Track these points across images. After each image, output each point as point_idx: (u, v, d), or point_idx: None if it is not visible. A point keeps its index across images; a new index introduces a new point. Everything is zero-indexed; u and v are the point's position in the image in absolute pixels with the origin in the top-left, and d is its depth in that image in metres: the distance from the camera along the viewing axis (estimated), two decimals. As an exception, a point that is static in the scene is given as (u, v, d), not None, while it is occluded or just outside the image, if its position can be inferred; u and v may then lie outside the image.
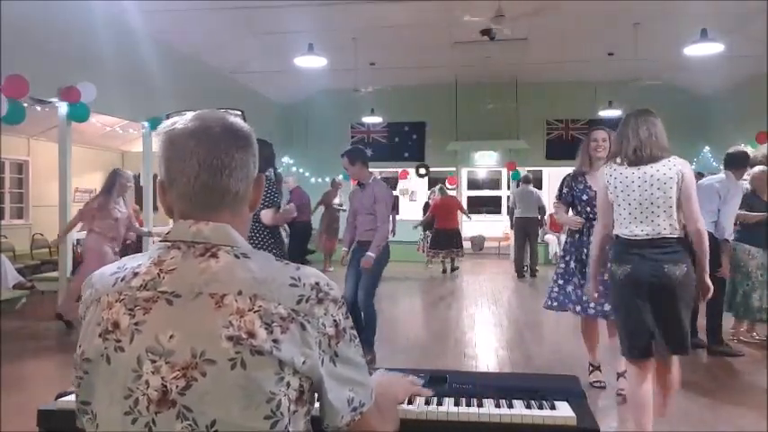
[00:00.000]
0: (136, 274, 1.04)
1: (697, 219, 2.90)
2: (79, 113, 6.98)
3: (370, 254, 4.92)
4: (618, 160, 3.02)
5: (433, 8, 8.65)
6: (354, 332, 1.09)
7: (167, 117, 1.20)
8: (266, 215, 4.28)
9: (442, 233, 10.78)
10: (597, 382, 4.27)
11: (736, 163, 5.16)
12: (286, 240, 11.04)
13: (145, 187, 8.97)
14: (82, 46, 7.23)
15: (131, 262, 1.08)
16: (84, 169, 11.13)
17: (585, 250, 4.18)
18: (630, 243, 2.93)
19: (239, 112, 1.20)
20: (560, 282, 4.37)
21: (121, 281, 1.04)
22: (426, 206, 11.97)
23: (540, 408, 1.53)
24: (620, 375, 4.05)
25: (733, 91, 11.50)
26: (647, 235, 2.89)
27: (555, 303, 4.40)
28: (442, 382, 1.66)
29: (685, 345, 2.92)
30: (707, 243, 2.93)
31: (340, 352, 1.05)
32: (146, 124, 8.78)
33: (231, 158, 1.06)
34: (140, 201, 10.12)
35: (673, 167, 2.89)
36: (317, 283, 1.04)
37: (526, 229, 10.51)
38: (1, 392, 4.12)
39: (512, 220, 10.85)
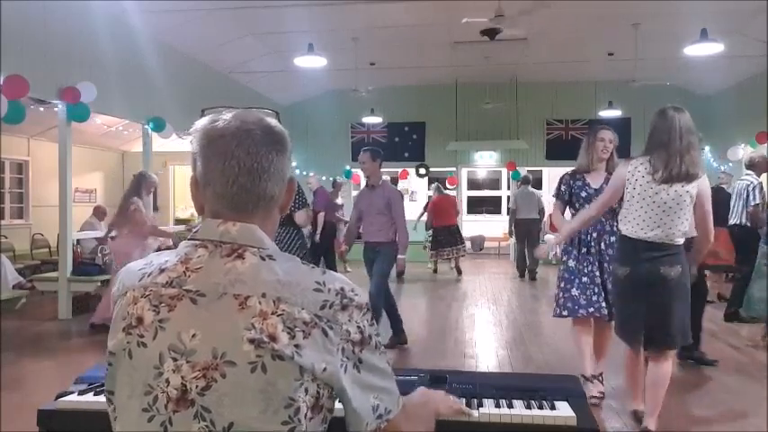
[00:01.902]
0: (162, 271, 1.04)
1: (710, 227, 3.12)
2: (79, 113, 6.98)
3: (401, 256, 5.25)
4: (646, 166, 3.05)
5: (433, 8, 8.65)
6: (380, 339, 1.07)
7: (203, 113, 1.19)
8: (301, 216, 4.40)
9: (441, 231, 10.81)
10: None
11: None
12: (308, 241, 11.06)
13: (145, 187, 8.96)
14: (82, 46, 7.23)
15: (159, 258, 1.08)
16: (84, 169, 11.14)
17: (585, 249, 4.11)
18: (636, 245, 3.10)
19: (275, 113, 1.19)
20: (567, 286, 4.10)
21: (148, 276, 1.04)
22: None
23: (540, 408, 1.53)
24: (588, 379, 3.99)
25: (733, 91, 11.50)
26: (652, 238, 3.06)
27: (565, 312, 4.10)
28: (442, 382, 1.65)
29: (673, 340, 3.15)
30: (707, 249, 3.21)
31: (364, 359, 1.03)
32: (146, 124, 8.77)
33: (270, 162, 1.06)
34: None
35: (696, 186, 3.03)
36: (342, 289, 1.03)
37: (527, 231, 10.48)
38: (1, 392, 4.13)
39: (512, 223, 10.79)
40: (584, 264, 4.06)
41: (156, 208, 9.60)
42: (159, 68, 8.47)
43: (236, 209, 1.06)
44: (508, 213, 11.65)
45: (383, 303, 5.37)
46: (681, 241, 3.08)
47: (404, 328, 5.56)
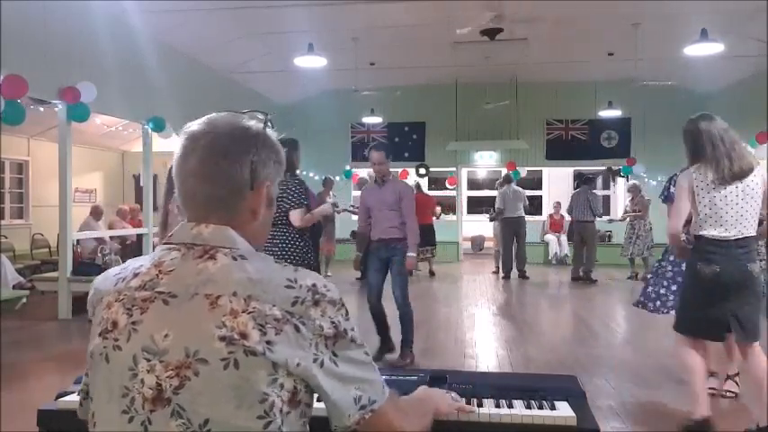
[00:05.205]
0: (136, 275, 1.05)
1: None
2: (79, 113, 6.98)
3: (411, 254, 4.91)
4: (705, 173, 3.21)
5: (433, 8, 8.65)
6: (356, 333, 1.06)
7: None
8: (294, 216, 4.14)
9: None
10: (711, 388, 3.91)
11: None
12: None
13: (145, 187, 8.97)
14: (82, 46, 7.23)
15: (134, 263, 1.10)
16: (84, 169, 11.14)
17: None
18: (722, 244, 3.20)
19: (263, 115, 1.16)
20: (657, 281, 4.47)
21: (122, 281, 1.06)
22: None
23: (540, 408, 1.53)
24: (728, 378, 4.06)
25: (733, 91, 11.49)
26: (733, 236, 3.18)
27: (650, 304, 4.49)
28: (442, 382, 1.65)
29: (757, 332, 3.26)
30: None
31: (340, 352, 1.03)
32: (146, 124, 8.77)
33: (213, 165, 1.06)
34: (140, 200, 10.12)
35: (759, 176, 3.19)
36: (314, 285, 1.03)
37: (516, 229, 10.38)
38: (1, 392, 4.13)
39: (500, 222, 10.57)
40: (671, 265, 4.36)
41: (155, 207, 9.59)
42: (159, 68, 8.47)
43: (191, 210, 1.09)
44: (492, 214, 11.04)
45: (382, 308, 5.06)
46: (754, 233, 3.22)
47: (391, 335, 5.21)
